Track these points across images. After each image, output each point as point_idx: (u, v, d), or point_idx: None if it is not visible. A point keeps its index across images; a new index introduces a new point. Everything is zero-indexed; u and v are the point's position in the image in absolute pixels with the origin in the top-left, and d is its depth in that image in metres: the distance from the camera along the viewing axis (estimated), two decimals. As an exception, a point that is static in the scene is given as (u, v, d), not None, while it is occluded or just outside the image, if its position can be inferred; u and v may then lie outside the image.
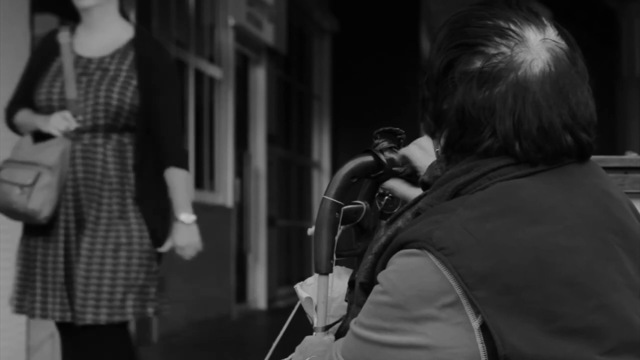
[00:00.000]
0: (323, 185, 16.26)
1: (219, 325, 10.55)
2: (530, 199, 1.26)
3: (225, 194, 11.42)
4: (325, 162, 16.60)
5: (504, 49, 1.28)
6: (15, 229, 6.64)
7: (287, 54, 14.05)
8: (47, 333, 7.11)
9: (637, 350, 1.25)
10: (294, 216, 15.30)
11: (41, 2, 7.57)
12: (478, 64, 1.28)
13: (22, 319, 6.77)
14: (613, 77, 15.12)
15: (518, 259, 1.21)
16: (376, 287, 1.27)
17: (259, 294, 12.75)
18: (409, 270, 1.23)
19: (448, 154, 1.33)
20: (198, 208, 10.98)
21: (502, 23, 1.30)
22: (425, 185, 1.39)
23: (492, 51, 1.28)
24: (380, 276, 1.27)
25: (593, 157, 2.15)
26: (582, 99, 1.31)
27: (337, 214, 1.59)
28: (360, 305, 1.35)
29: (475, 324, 1.20)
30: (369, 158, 1.61)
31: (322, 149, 16.64)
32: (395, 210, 1.55)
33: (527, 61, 1.28)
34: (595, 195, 1.31)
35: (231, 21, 11.46)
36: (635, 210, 1.38)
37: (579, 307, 1.21)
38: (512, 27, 1.30)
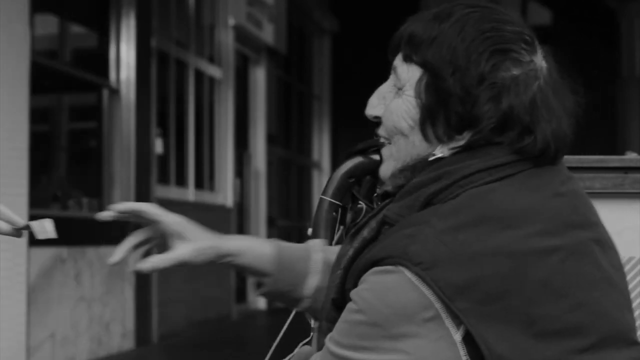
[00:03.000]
0: (323, 185, 16.24)
1: (219, 325, 10.55)
2: (502, 204, 1.25)
3: (225, 194, 11.42)
4: (325, 162, 16.60)
5: (532, 57, 1.32)
6: (15, 229, 6.65)
7: (287, 54, 14.06)
8: (47, 333, 7.12)
9: (617, 343, 1.26)
10: (294, 216, 15.30)
11: (41, 2, 7.57)
12: (515, 71, 1.30)
13: (22, 318, 6.77)
14: (613, 77, 15.10)
15: (495, 267, 1.20)
16: (350, 306, 1.25)
17: (259, 294, 12.74)
18: (385, 289, 1.21)
19: (456, 156, 1.31)
20: (198, 208, 11.02)
21: (519, 29, 1.33)
22: (387, 196, 1.37)
23: (526, 59, 1.31)
24: (354, 294, 1.25)
25: (594, 157, 2.16)
26: (570, 104, 1.35)
27: (334, 213, 1.59)
28: (332, 322, 1.33)
29: (457, 336, 1.20)
30: (368, 158, 1.61)
31: (322, 149, 16.64)
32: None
33: (542, 69, 1.33)
34: (562, 193, 1.32)
35: (231, 21, 11.46)
36: (593, 207, 1.39)
37: (556, 307, 1.22)
38: (527, 33, 1.34)
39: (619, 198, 2.17)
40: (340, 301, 1.34)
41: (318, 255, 1.59)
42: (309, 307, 1.59)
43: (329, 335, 1.29)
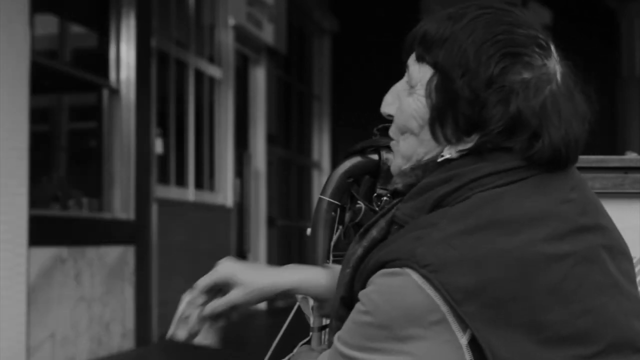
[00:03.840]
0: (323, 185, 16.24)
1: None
2: (511, 208, 1.25)
3: (225, 194, 11.42)
4: (325, 162, 16.59)
5: (545, 61, 1.31)
6: (15, 229, 6.65)
7: (287, 54, 14.05)
8: (47, 333, 7.11)
9: (624, 350, 1.26)
10: (294, 216, 15.30)
11: (41, 2, 7.57)
12: (526, 75, 1.29)
13: (22, 319, 6.77)
14: (613, 77, 15.11)
15: (503, 271, 1.20)
16: (358, 306, 1.26)
17: (259, 294, 12.73)
18: (392, 291, 1.22)
19: (466, 159, 1.31)
20: (198, 208, 11.00)
21: (534, 33, 1.33)
22: (397, 194, 1.37)
23: (538, 63, 1.30)
24: (362, 295, 1.26)
25: (594, 157, 2.15)
26: (583, 111, 1.35)
27: (333, 213, 1.59)
28: (340, 319, 1.34)
29: (464, 340, 1.20)
30: (366, 158, 1.61)
31: (322, 149, 16.63)
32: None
33: (557, 74, 1.32)
34: (572, 198, 1.32)
35: (231, 21, 11.46)
36: (604, 210, 1.39)
37: (564, 314, 1.22)
38: (541, 36, 1.33)
39: (619, 198, 2.17)
40: (348, 300, 1.35)
41: None
42: None
43: (337, 334, 1.30)
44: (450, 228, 1.23)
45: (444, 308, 1.19)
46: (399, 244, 1.25)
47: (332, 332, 1.38)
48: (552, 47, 1.34)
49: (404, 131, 1.37)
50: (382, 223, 1.35)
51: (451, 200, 1.27)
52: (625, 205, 2.18)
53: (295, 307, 1.66)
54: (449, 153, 1.32)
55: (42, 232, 7.02)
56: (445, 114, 1.31)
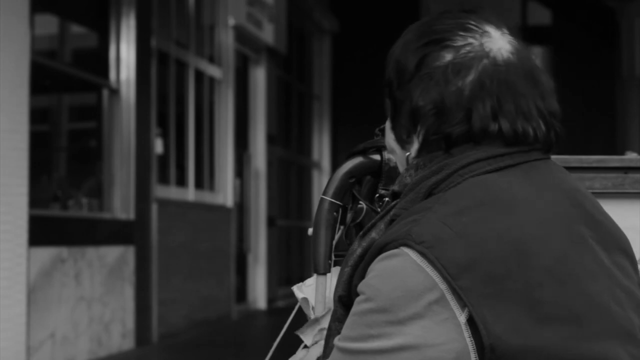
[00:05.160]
0: (323, 185, 16.22)
1: (219, 325, 10.55)
2: (502, 192, 1.28)
3: (225, 194, 11.42)
4: (325, 162, 16.60)
5: (470, 40, 1.34)
6: (15, 229, 6.65)
7: (287, 54, 14.06)
8: (47, 333, 7.12)
9: (619, 338, 1.26)
10: (294, 216, 15.30)
11: (41, 2, 7.57)
12: (448, 57, 1.33)
13: (22, 319, 6.77)
14: (613, 77, 15.11)
15: (497, 249, 1.22)
16: (358, 299, 1.27)
17: (259, 294, 12.76)
18: (391, 273, 1.23)
19: (421, 156, 1.35)
20: (198, 208, 11.02)
21: (462, 20, 1.36)
22: (395, 196, 1.40)
23: (460, 43, 1.33)
24: (361, 286, 1.27)
25: (594, 157, 2.16)
26: (549, 87, 1.36)
27: (335, 213, 1.60)
28: (339, 320, 1.35)
29: (462, 318, 1.20)
30: (368, 158, 1.62)
31: (322, 149, 16.64)
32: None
33: (494, 49, 1.34)
34: (564, 189, 1.34)
35: (231, 21, 11.47)
36: (600, 206, 1.40)
37: (559, 293, 1.23)
38: (473, 22, 1.36)
39: (619, 198, 2.17)
40: (346, 298, 1.36)
41: None
42: None
43: (337, 337, 1.30)
44: (444, 210, 1.26)
45: (442, 285, 1.20)
46: (396, 228, 1.28)
47: (331, 336, 1.38)
48: (492, 27, 1.36)
49: (390, 149, 1.44)
50: (381, 225, 1.38)
51: (443, 187, 1.30)
52: (625, 205, 2.18)
53: (296, 308, 1.66)
54: (411, 149, 1.37)
55: (42, 232, 7.03)
56: (394, 118, 1.38)
